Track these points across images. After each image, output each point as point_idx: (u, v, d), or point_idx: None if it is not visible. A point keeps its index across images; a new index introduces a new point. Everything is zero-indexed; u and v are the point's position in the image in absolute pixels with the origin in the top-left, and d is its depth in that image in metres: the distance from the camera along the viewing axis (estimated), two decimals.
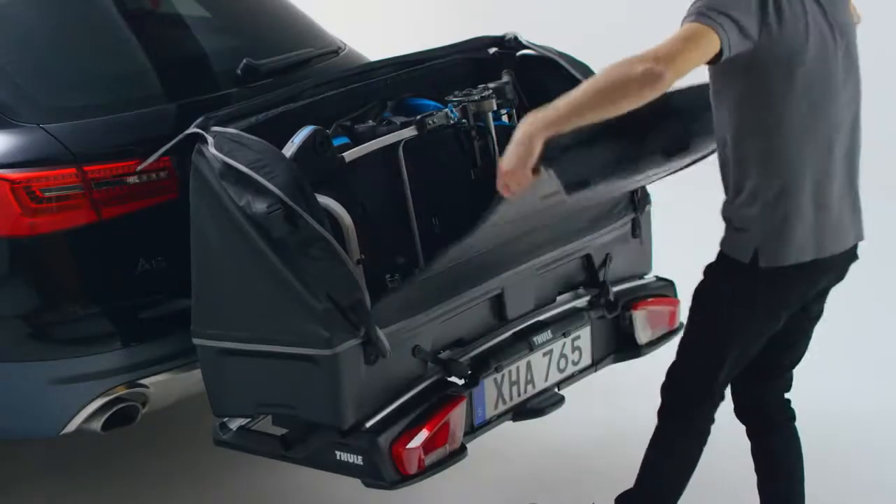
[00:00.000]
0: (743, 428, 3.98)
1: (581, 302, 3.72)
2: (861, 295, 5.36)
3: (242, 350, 3.15)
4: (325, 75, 3.80)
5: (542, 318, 3.60)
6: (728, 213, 3.06)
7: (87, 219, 3.33)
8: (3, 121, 3.39)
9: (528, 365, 3.50)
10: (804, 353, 3.37)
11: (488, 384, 3.39)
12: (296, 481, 3.97)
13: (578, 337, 3.64)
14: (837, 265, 3.14)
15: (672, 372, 3.29)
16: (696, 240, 5.78)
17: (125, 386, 3.39)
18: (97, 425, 3.41)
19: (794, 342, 3.31)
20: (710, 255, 5.70)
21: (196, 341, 3.22)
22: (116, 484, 4.05)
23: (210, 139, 3.16)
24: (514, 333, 3.52)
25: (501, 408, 3.45)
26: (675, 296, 3.98)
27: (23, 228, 3.29)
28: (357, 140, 3.48)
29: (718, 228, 5.43)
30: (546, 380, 3.57)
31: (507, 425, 3.54)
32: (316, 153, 3.29)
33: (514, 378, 3.47)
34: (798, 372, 4.52)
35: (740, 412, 3.41)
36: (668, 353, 3.72)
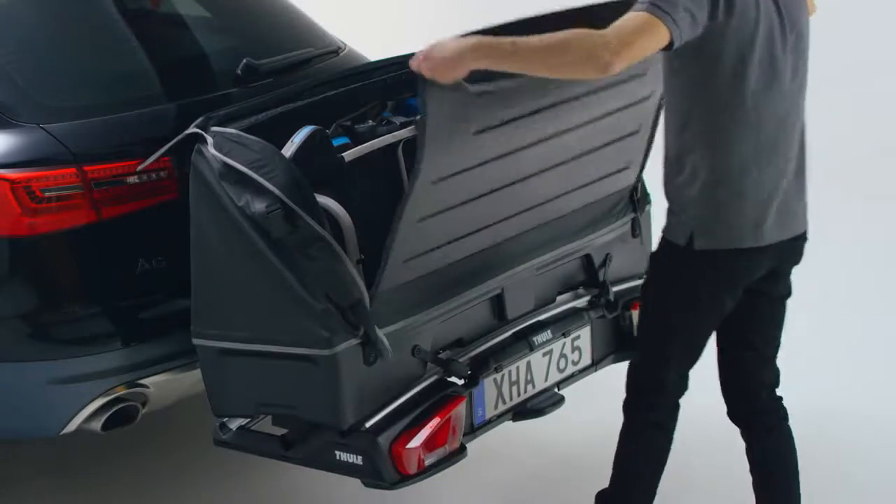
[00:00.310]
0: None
1: (581, 302, 3.72)
2: (858, 294, 5.38)
3: (242, 350, 3.15)
4: (324, 75, 3.80)
5: (542, 318, 3.60)
6: (668, 193, 3.09)
7: (87, 219, 3.33)
8: (3, 121, 3.39)
9: (528, 365, 3.50)
10: (779, 337, 3.36)
11: (488, 384, 3.39)
12: (295, 481, 3.97)
13: (578, 337, 3.64)
14: (783, 251, 3.13)
15: (630, 365, 3.33)
16: None
17: (125, 386, 3.39)
18: (97, 425, 3.41)
19: (762, 327, 3.31)
20: None
21: (196, 341, 3.22)
22: (116, 484, 4.05)
23: (210, 139, 3.16)
24: (514, 333, 3.52)
25: (501, 408, 3.45)
26: None
27: (23, 228, 3.29)
28: (357, 140, 3.48)
29: None
30: (546, 380, 3.57)
31: (507, 425, 3.54)
32: (316, 153, 3.29)
33: (514, 378, 3.47)
34: (797, 372, 4.53)
35: (733, 414, 3.42)
36: None
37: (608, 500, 3.43)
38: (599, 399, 3.57)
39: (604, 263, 3.75)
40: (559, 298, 3.69)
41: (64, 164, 3.32)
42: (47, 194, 3.29)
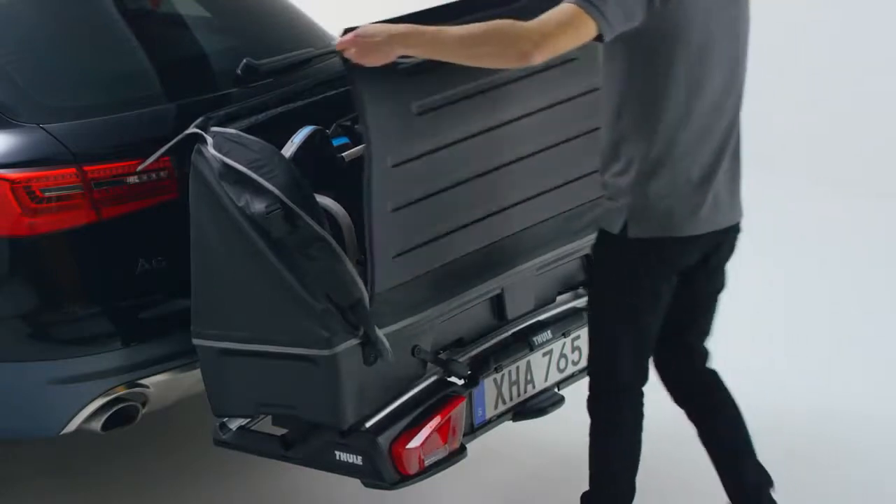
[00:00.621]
0: None
1: (581, 302, 3.72)
2: (862, 294, 5.38)
3: (242, 350, 3.15)
4: (324, 75, 3.80)
5: (541, 318, 3.60)
6: (604, 182, 3.10)
7: (87, 219, 3.32)
8: (3, 121, 3.39)
9: (528, 365, 3.50)
10: (710, 328, 3.39)
11: (488, 384, 3.39)
12: (295, 482, 3.97)
13: (578, 337, 3.64)
14: (718, 241, 3.15)
15: (588, 361, 3.34)
16: None
17: (125, 386, 3.39)
18: (97, 425, 3.41)
19: (695, 318, 3.34)
20: None
21: (196, 342, 3.22)
22: (116, 484, 4.04)
23: (209, 139, 3.16)
24: (513, 333, 3.53)
25: (501, 408, 3.46)
26: None
27: (23, 228, 3.29)
28: (357, 140, 3.48)
29: None
30: (546, 380, 3.58)
31: (507, 425, 3.54)
32: (316, 153, 3.29)
33: (514, 378, 3.47)
34: (799, 373, 4.53)
35: (675, 398, 3.44)
36: None
37: (591, 500, 3.42)
38: None
39: None
40: (559, 298, 3.69)
41: (64, 164, 3.32)
42: (47, 194, 3.29)
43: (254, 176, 3.05)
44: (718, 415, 3.44)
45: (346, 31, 2.93)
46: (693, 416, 3.47)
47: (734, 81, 3.07)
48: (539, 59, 2.80)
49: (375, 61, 2.87)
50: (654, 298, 3.16)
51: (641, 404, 3.35)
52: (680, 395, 3.46)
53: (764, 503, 3.41)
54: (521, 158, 3.38)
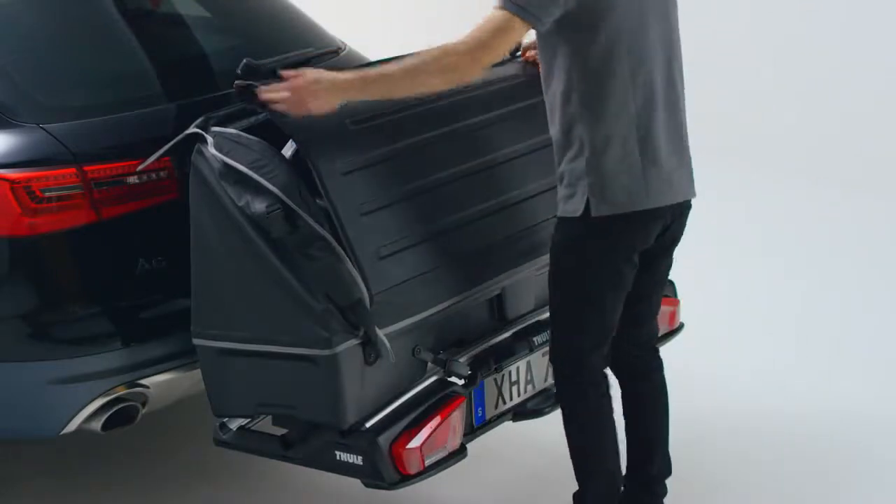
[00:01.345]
0: (741, 432, 4.00)
1: None
2: (867, 295, 5.38)
3: (242, 350, 3.15)
4: None
5: (541, 318, 3.60)
6: (561, 171, 3.14)
7: (87, 219, 3.32)
8: (3, 121, 3.39)
9: (528, 365, 3.50)
10: (659, 303, 3.50)
11: (488, 384, 3.40)
12: (295, 482, 3.97)
13: None
14: (673, 217, 3.22)
15: (550, 351, 3.34)
16: (696, 240, 5.81)
17: (125, 386, 3.38)
18: (97, 425, 3.40)
19: (649, 297, 3.40)
20: (711, 254, 5.73)
21: (196, 341, 3.22)
22: (116, 484, 4.04)
23: (210, 139, 3.16)
24: (514, 333, 3.53)
25: (501, 408, 3.46)
26: (675, 296, 3.98)
27: (23, 228, 3.28)
28: None
29: (718, 228, 5.45)
30: (546, 380, 3.57)
31: (507, 425, 3.54)
32: None
33: (514, 378, 3.47)
34: (798, 372, 4.53)
35: (616, 372, 3.48)
36: (668, 353, 3.72)
37: (581, 497, 3.42)
38: None
39: None
40: None
41: (64, 164, 3.32)
42: (47, 194, 3.28)
43: (254, 176, 3.05)
44: (650, 398, 3.51)
45: (276, 72, 3.11)
46: (626, 392, 3.52)
47: (673, 58, 3.15)
48: (478, 70, 2.95)
49: (316, 110, 3.01)
50: (617, 278, 3.19)
51: (608, 388, 3.35)
52: (621, 371, 3.50)
53: (659, 492, 3.51)
54: (513, 159, 3.40)
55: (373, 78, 3.01)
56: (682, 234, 3.34)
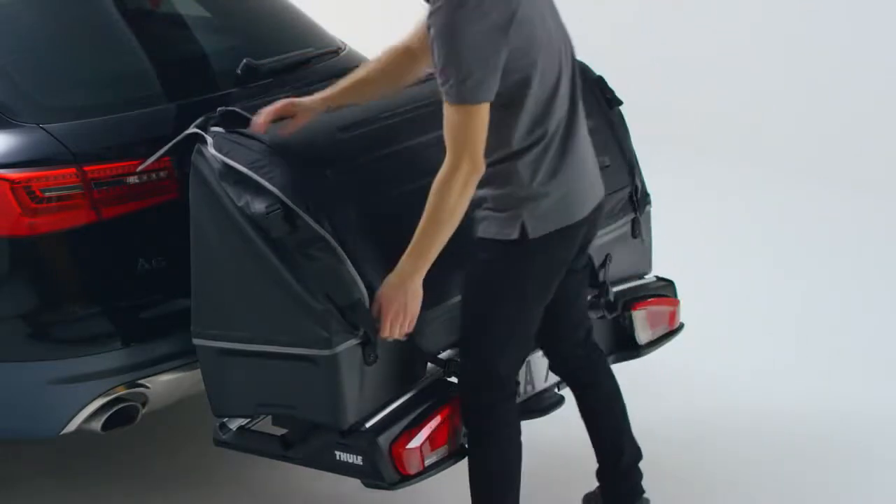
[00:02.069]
0: (742, 432, 3.99)
1: None
2: (868, 295, 5.38)
3: (242, 350, 3.15)
4: (326, 75, 3.80)
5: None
6: (495, 203, 3.08)
7: (87, 219, 3.32)
8: (3, 121, 3.39)
9: (528, 365, 3.50)
10: (586, 303, 3.51)
11: None
12: (295, 482, 3.97)
13: None
14: (595, 220, 3.24)
15: (461, 370, 3.26)
16: (697, 240, 5.82)
17: (125, 386, 3.39)
18: (97, 425, 3.40)
19: (578, 296, 3.42)
20: (710, 254, 5.72)
21: (196, 341, 3.22)
22: (116, 484, 4.04)
23: (209, 139, 3.16)
24: None
25: None
26: (675, 296, 3.99)
27: (23, 228, 3.28)
28: None
29: (718, 228, 5.45)
30: (546, 380, 3.57)
31: None
32: None
33: None
34: (798, 372, 4.53)
35: (563, 375, 3.49)
36: (668, 353, 3.73)
37: None
38: None
39: (604, 264, 3.75)
40: None
41: (64, 164, 3.32)
42: (47, 194, 3.29)
43: (254, 176, 3.06)
44: (605, 406, 3.51)
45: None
46: (576, 391, 3.52)
47: (568, 68, 3.13)
48: (481, 166, 2.93)
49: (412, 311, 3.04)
50: (545, 297, 3.19)
51: (514, 405, 3.30)
52: (573, 380, 3.50)
53: (636, 477, 3.51)
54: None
55: (422, 251, 2.99)
56: (596, 233, 3.34)
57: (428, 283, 3.19)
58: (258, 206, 3.03)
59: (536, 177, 3.05)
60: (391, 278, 3.02)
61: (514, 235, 3.05)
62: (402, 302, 3.01)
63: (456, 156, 2.92)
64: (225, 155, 3.11)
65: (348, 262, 3.04)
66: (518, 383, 3.36)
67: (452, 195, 2.93)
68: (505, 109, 2.98)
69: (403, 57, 3.30)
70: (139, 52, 3.83)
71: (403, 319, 3.02)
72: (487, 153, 2.98)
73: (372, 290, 3.06)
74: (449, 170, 2.93)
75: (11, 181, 3.27)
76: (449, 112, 2.92)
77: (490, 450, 3.26)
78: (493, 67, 2.89)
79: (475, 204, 3.07)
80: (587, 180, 3.18)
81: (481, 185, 3.03)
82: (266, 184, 3.04)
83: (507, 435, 3.27)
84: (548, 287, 3.18)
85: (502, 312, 3.15)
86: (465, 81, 2.86)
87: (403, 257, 3.01)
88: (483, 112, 2.91)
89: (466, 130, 2.91)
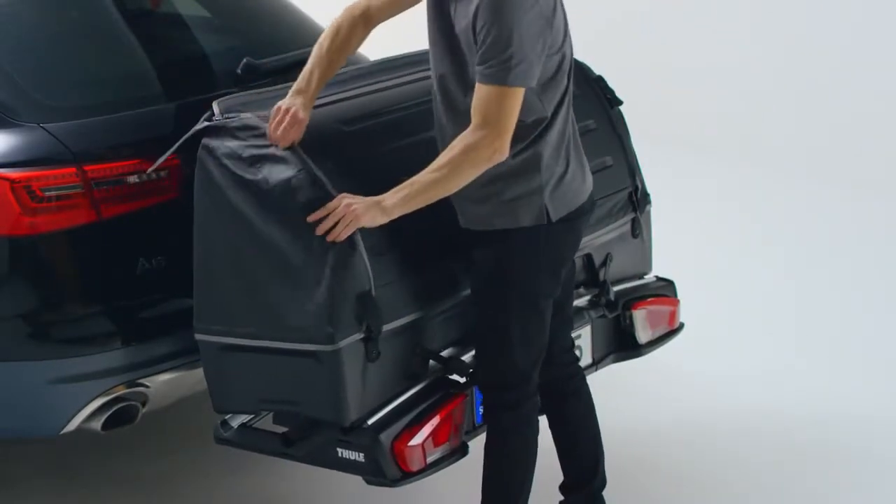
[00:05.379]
0: (741, 432, 3.99)
1: (581, 301, 3.72)
2: (869, 295, 5.39)
3: (244, 346, 3.15)
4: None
5: None
6: (510, 197, 3.09)
7: (87, 218, 3.32)
8: (3, 120, 3.39)
9: None
10: (572, 309, 3.53)
11: None
12: (297, 479, 3.97)
13: (579, 336, 3.64)
14: (590, 211, 3.27)
15: (482, 365, 3.26)
16: (697, 240, 5.82)
17: (125, 386, 3.39)
18: (97, 425, 3.40)
19: (568, 295, 3.43)
20: (710, 254, 5.72)
21: (198, 337, 3.22)
22: (116, 484, 4.04)
23: (217, 107, 3.20)
24: None
25: None
26: (675, 296, 3.99)
27: (23, 228, 3.28)
28: None
29: (718, 228, 5.45)
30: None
31: None
32: None
33: None
34: (798, 372, 4.52)
35: (547, 383, 3.42)
36: (668, 353, 3.74)
37: None
38: (599, 399, 3.57)
39: (604, 263, 3.75)
40: None
41: (64, 164, 3.32)
42: (47, 194, 3.29)
43: (273, 150, 3.06)
44: (584, 417, 3.51)
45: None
46: (558, 402, 3.50)
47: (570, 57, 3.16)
48: (507, 147, 2.95)
49: (367, 222, 2.97)
50: (557, 283, 3.20)
51: (537, 405, 3.30)
52: (553, 388, 3.47)
53: (599, 473, 3.52)
54: None
55: (411, 196, 2.97)
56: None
57: (429, 281, 3.20)
58: (281, 174, 3.03)
59: (558, 160, 3.09)
60: (370, 199, 2.98)
61: (533, 222, 3.07)
62: (359, 216, 2.95)
63: (490, 131, 2.92)
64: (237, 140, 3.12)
65: (362, 245, 3.04)
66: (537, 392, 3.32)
67: (473, 161, 2.94)
68: (543, 91, 3.02)
69: (360, 26, 3.27)
70: (139, 52, 3.83)
71: (349, 228, 2.96)
72: (512, 143, 3.00)
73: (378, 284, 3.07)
74: (480, 138, 2.93)
75: (11, 180, 3.27)
76: (486, 91, 2.93)
77: (509, 448, 3.27)
78: (540, 55, 2.95)
79: (481, 199, 3.08)
80: (586, 167, 3.23)
81: (497, 179, 3.05)
82: (284, 153, 3.04)
83: (527, 434, 3.27)
84: (558, 276, 3.19)
85: (517, 304, 3.15)
86: (518, 65, 2.90)
87: (392, 191, 2.98)
88: (521, 96, 2.94)
89: (504, 110, 2.93)
